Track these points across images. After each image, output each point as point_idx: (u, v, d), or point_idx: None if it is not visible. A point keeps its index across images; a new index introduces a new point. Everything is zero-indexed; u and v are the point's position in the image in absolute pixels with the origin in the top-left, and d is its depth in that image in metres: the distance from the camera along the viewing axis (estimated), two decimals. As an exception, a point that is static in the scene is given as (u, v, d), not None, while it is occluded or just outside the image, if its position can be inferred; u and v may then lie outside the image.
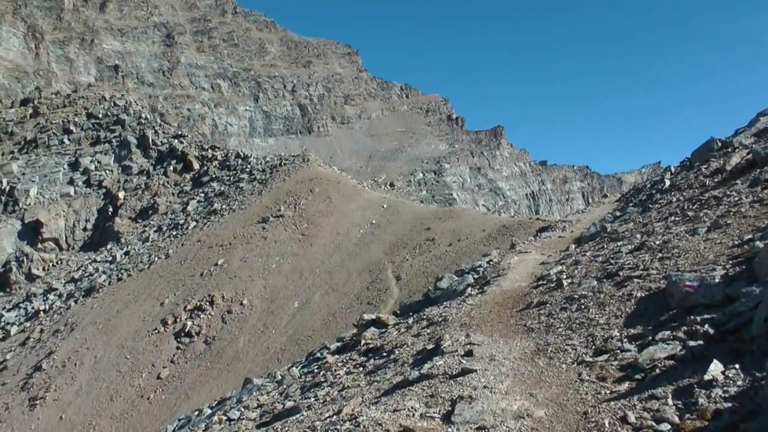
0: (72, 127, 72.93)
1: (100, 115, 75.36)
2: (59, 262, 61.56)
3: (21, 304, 53.95)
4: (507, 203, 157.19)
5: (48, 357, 40.15)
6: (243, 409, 16.09)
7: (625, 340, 9.67)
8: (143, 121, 74.57)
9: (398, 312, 22.21)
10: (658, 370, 8.18)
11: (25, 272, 60.69)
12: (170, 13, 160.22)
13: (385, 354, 14.34)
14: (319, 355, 19.69)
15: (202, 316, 38.62)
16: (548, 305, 13.09)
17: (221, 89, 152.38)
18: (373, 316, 18.79)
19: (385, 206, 47.63)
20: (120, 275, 48.55)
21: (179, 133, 76.87)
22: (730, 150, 22.42)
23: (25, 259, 61.38)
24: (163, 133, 73.13)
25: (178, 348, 37.09)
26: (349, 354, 16.79)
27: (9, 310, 54.07)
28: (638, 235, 17.17)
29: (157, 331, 38.58)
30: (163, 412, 32.51)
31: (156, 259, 48.29)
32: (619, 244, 17.16)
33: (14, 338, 47.17)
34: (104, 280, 49.13)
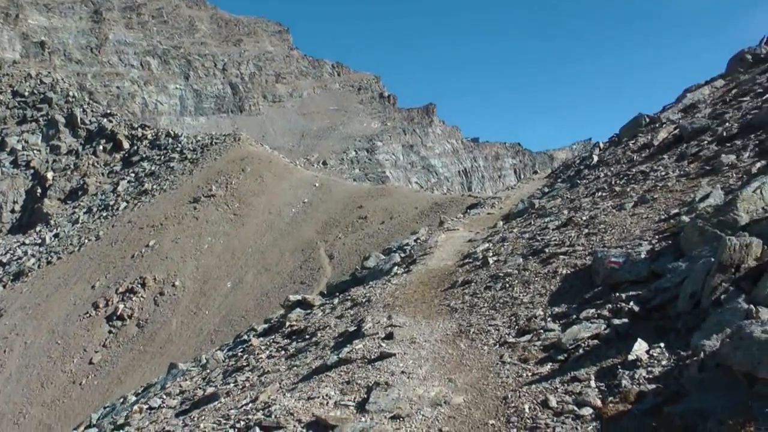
0: (-4, 106, 71.24)
1: (26, 93, 73.66)
2: (-14, 244, 60.32)
3: (-55, 289, 52.77)
4: (440, 180, 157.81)
5: (-24, 344, 39.39)
6: (165, 397, 15.86)
7: (549, 319, 9.57)
8: (71, 100, 73.14)
9: (325, 292, 22.21)
10: (581, 351, 8.07)
11: (-50, 256, 59.37)
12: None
13: (307, 336, 14.26)
14: (245, 337, 19.64)
15: (134, 299, 38.29)
16: (473, 284, 13.08)
17: (151, 67, 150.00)
18: (299, 297, 18.84)
19: (317, 185, 47.61)
20: (50, 258, 47.79)
21: (108, 111, 75.63)
22: (657, 125, 22.83)
23: (-50, 242, 60.02)
24: (92, 111, 71.81)
25: (110, 332, 36.75)
26: (273, 336, 16.70)
27: (-66, 295, 52.87)
28: (565, 211, 17.27)
29: (88, 315, 38.15)
30: (96, 397, 32.22)
31: (86, 241, 47.65)
32: (546, 220, 17.30)
33: (-61, 324, 46.15)
34: (33, 264, 48.30)
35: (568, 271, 11.29)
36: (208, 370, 16.44)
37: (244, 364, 14.40)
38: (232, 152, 53.67)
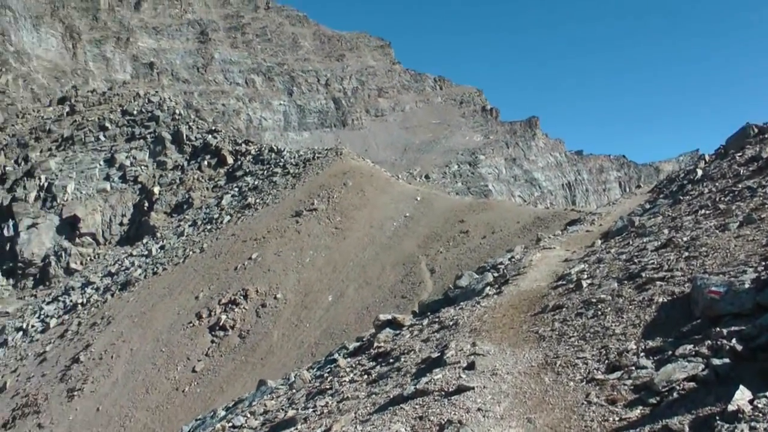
0: (107, 124, 73.36)
1: (135, 112, 75.73)
2: (96, 256, 62.13)
3: (60, 298, 54.59)
4: (543, 194, 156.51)
5: (85, 349, 40.57)
6: (249, 415, 16.03)
7: (642, 354, 8.68)
8: (177, 117, 74.86)
9: (417, 311, 21.43)
10: (675, 394, 7.28)
11: (64, 266, 61.37)
12: (204, 11, 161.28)
13: (392, 360, 13.68)
14: (336, 356, 19.21)
15: (236, 310, 38.72)
16: (564, 309, 12.18)
17: (255, 84, 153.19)
18: (389, 317, 18.32)
19: (418, 199, 47.48)
20: (155, 269, 48.87)
21: (213, 128, 77.15)
22: (767, 136, 21.46)
23: (63, 254, 62.03)
24: (197, 128, 73.36)
25: (212, 341, 37.24)
26: (360, 358, 16.24)
27: (48, 303, 54.73)
28: (665, 231, 15.96)
29: (191, 324, 38.78)
30: (198, 405, 32.66)
31: (191, 253, 48.55)
32: (645, 240, 15.97)
33: (53, 330, 47.70)
34: (140, 274, 49.50)
35: (665, 300, 10.31)
36: (294, 391, 16.39)
37: (327, 387, 14.09)
38: (334, 166, 53.99)
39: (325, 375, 16.21)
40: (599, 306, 11.38)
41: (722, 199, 16.72)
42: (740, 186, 17.03)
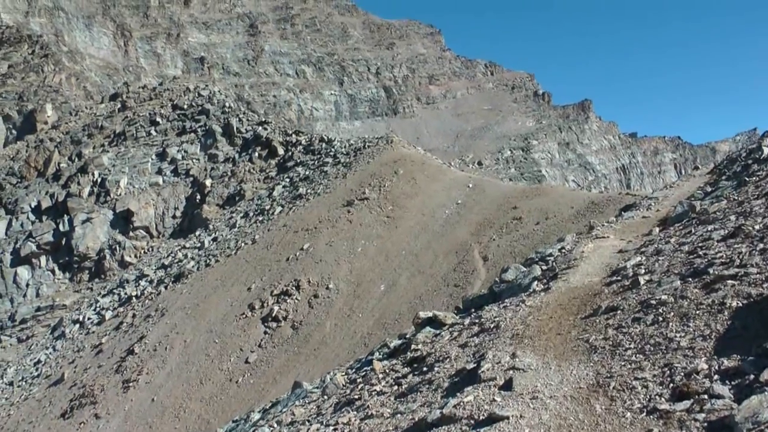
0: (158, 119, 73.81)
1: (185, 106, 76.08)
2: (150, 249, 62.64)
3: (115, 290, 55.22)
4: (597, 178, 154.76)
5: (140, 341, 40.93)
6: (275, 425, 15.58)
7: (716, 377, 7.11)
8: (227, 110, 74.96)
9: (461, 307, 20.14)
10: None
11: (118, 260, 61.98)
12: (252, 3, 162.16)
13: (425, 369, 12.36)
14: (377, 354, 18.25)
15: (288, 301, 38.56)
16: (619, 312, 10.55)
17: (306, 75, 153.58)
18: (430, 314, 17.16)
19: (470, 186, 46.86)
20: (208, 261, 49.01)
21: (263, 120, 77.29)
22: None
23: (117, 247, 62.64)
24: (247, 120, 73.34)
25: (265, 333, 37.14)
26: (395, 361, 15.07)
27: (104, 296, 55.42)
28: (732, 217, 14.20)
29: (244, 315, 38.74)
30: (252, 395, 32.59)
31: (243, 244, 48.55)
32: (709, 228, 14.18)
33: (109, 323, 48.39)
34: (193, 266, 49.71)
35: (740, 304, 8.59)
36: (325, 397, 15.68)
37: (356, 396, 13.10)
38: (384, 155, 53.60)
39: (359, 380, 15.33)
40: (660, 310, 9.71)
41: None
42: None
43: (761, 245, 10.56)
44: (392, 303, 36.24)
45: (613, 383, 7.97)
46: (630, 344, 8.98)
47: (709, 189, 22.49)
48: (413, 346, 15.09)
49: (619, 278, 12.96)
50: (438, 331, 15.82)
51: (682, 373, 7.48)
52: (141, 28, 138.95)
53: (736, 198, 16.85)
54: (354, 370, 18.25)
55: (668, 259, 12.95)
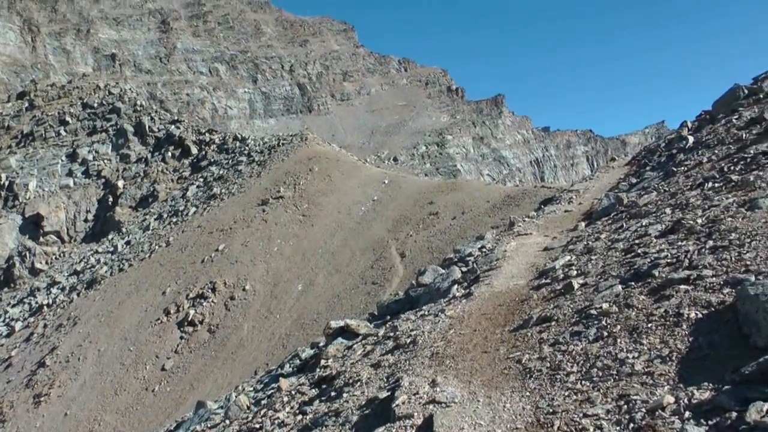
0: (68, 118, 72.17)
1: (96, 105, 74.54)
2: (62, 254, 61.13)
3: (25, 299, 53.59)
4: (512, 172, 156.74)
5: (51, 352, 39.65)
6: None
7: (687, 415, 5.62)
8: (139, 109, 73.74)
9: (375, 313, 19.19)
10: None
11: (29, 267, 60.30)
12: (164, 0, 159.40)
13: (333, 393, 10.82)
14: (285, 369, 17.20)
15: (204, 304, 37.96)
16: (553, 324, 9.21)
17: (219, 73, 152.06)
18: (342, 323, 15.89)
19: (386, 182, 46.85)
20: (121, 266, 47.98)
21: (176, 118, 76.24)
22: (762, 97, 19.46)
23: (27, 254, 60.95)
24: (160, 119, 72.27)
25: (181, 338, 36.49)
26: (303, 380, 13.59)
27: (14, 306, 53.78)
28: (668, 210, 13.17)
29: (159, 321, 38.00)
30: (169, 404, 31.96)
31: (156, 247, 47.70)
32: (643, 222, 13.14)
33: (19, 334, 46.79)
34: (106, 272, 48.58)
35: (699, 314, 7.25)
36: (227, 422, 14.43)
37: (257, 426, 11.82)
38: (299, 152, 53.26)
39: (263, 401, 14.13)
40: (603, 322, 8.30)
41: (732, 168, 14.06)
42: (750, 152, 14.39)
43: (710, 242, 9.33)
44: (310, 302, 35.96)
45: (558, 422, 6.47)
46: (572, 366, 7.58)
47: (633, 180, 21.85)
48: (323, 362, 13.96)
49: (548, 281, 11.94)
50: (350, 343, 14.71)
51: (643, 409, 6.01)
52: (49, 24, 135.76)
53: (666, 189, 15.95)
54: (262, 385, 17.26)
55: (602, 258, 11.89)
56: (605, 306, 8.65)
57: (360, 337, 14.77)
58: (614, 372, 6.92)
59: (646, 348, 7.08)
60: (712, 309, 7.22)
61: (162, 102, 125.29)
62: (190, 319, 37.09)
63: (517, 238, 18.10)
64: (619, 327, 7.89)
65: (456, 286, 15.19)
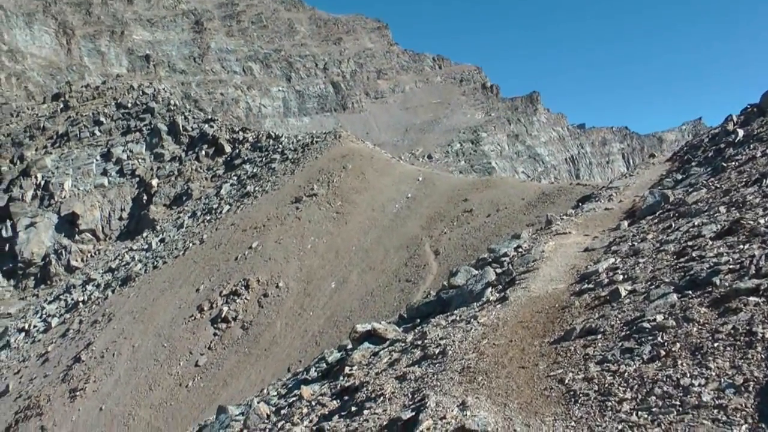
0: (102, 119, 72.61)
1: (129, 105, 74.93)
2: (97, 252, 61.52)
3: (61, 296, 54.04)
4: (546, 169, 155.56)
5: (87, 348, 39.94)
6: None
7: None
8: (172, 108, 74.01)
9: (405, 315, 18.01)
10: None
11: (65, 264, 60.80)
12: (198, 0, 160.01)
13: (354, 408, 9.77)
14: (313, 371, 16.44)
15: (238, 301, 37.89)
16: (599, 338, 8.13)
17: (253, 72, 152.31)
18: (369, 327, 14.96)
19: (420, 179, 46.53)
20: (156, 263, 48.13)
21: (210, 117, 76.45)
22: None
23: (63, 252, 61.43)
24: (193, 118, 72.50)
25: (215, 334, 36.43)
26: (326, 388, 12.88)
27: (50, 302, 54.22)
28: (722, 209, 11.99)
29: (193, 317, 38.00)
30: (202, 400, 31.93)
31: (190, 245, 47.75)
32: (694, 222, 11.93)
33: (55, 330, 47.18)
34: (140, 269, 48.80)
35: None
36: (246, 431, 13.84)
37: None
38: (333, 150, 53.06)
39: (283, 411, 13.31)
40: (659, 338, 7.22)
41: None
42: None
43: None
44: (343, 300, 35.75)
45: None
46: (625, 392, 6.48)
47: (678, 177, 20.49)
48: (347, 369, 13.10)
49: (590, 285, 10.85)
50: (377, 349, 13.86)
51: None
52: (84, 26, 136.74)
53: (717, 186, 14.77)
54: (286, 390, 16.41)
55: (650, 261, 10.73)
56: (660, 318, 7.61)
57: (387, 343, 13.92)
58: (677, 402, 5.86)
59: (714, 374, 5.97)
60: (792, 327, 5.91)
61: (196, 102, 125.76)
62: (223, 315, 37.04)
63: (555, 238, 16.96)
64: (678, 345, 6.79)
65: (490, 289, 14.37)
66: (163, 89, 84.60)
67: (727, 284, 7.54)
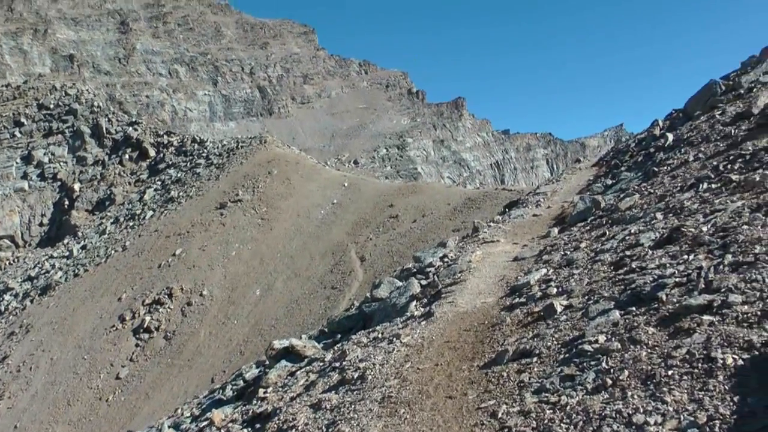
0: (23, 120, 70.70)
1: (52, 106, 73.07)
2: (16, 259, 59.91)
3: (-23, 307, 52.32)
4: (472, 174, 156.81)
5: (2, 362, 38.80)
6: None
7: None
8: (96, 110, 72.48)
9: (326, 330, 17.49)
10: None
11: (-19, 273, 59.04)
12: (123, 0, 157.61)
13: None
14: (229, 390, 15.77)
15: (161, 310, 37.27)
16: (535, 360, 7.40)
17: (179, 75, 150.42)
18: (287, 343, 14.28)
19: (346, 185, 46.45)
20: (77, 271, 47.05)
21: (134, 120, 75.09)
22: (742, 92, 18.31)
23: (-20, 259, 59.73)
24: (117, 121, 71.15)
25: (137, 345, 35.74)
26: (237, 414, 12.09)
27: (-34, 314, 52.51)
28: (658, 215, 11.42)
29: (114, 328, 37.23)
30: (123, 414, 31.22)
31: (113, 252, 46.84)
32: (630, 229, 11.41)
33: (-30, 343, 45.62)
34: (60, 277, 47.64)
35: (738, 359, 5.35)
36: None
37: None
38: (258, 155, 52.65)
39: None
40: (603, 362, 6.41)
41: (729, 167, 12.25)
42: (748, 148, 12.63)
43: (729, 256, 7.36)
44: (268, 308, 35.41)
45: None
46: (568, 430, 5.64)
47: (608, 182, 20.08)
48: (261, 391, 12.39)
49: (522, 299, 10.13)
50: (294, 368, 13.17)
51: None
52: (5, 23, 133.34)
53: (651, 191, 14.28)
54: (200, 411, 15.63)
55: (586, 272, 10.04)
56: (602, 339, 6.89)
57: (305, 362, 13.30)
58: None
59: (671, 409, 5.17)
60: (755, 351, 5.32)
61: (121, 104, 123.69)
62: (146, 325, 36.39)
63: (482, 246, 16.23)
64: (626, 372, 5.96)
65: (414, 303, 13.60)
66: (87, 90, 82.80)
67: (675, 300, 6.93)
